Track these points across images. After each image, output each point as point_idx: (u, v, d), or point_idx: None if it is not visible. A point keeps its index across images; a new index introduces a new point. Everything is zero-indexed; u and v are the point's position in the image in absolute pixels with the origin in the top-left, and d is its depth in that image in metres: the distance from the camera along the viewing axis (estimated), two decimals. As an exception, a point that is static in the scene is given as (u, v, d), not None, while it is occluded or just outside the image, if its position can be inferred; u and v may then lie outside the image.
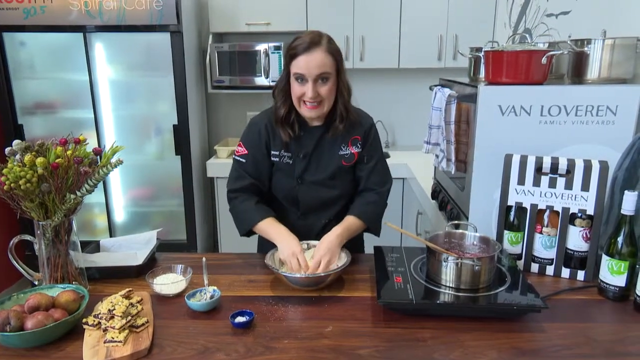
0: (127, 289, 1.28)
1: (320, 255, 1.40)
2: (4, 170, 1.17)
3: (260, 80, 3.31)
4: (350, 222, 1.55)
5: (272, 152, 1.58)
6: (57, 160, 1.20)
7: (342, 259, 1.44)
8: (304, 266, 1.38)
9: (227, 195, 1.62)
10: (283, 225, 1.52)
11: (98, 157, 1.30)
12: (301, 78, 1.45)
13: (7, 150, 1.22)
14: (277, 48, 3.24)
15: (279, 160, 1.58)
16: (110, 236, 3.41)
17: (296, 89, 1.47)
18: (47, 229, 1.26)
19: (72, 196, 1.24)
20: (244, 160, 1.60)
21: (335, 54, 1.47)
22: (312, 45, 1.43)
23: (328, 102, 1.49)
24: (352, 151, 1.59)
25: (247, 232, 1.58)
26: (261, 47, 3.25)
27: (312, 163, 1.58)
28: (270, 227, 1.51)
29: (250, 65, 3.30)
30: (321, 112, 1.50)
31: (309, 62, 1.42)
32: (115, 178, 3.37)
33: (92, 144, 1.29)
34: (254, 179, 1.59)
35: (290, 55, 1.45)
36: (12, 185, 1.16)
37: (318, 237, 1.51)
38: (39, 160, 1.17)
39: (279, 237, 1.48)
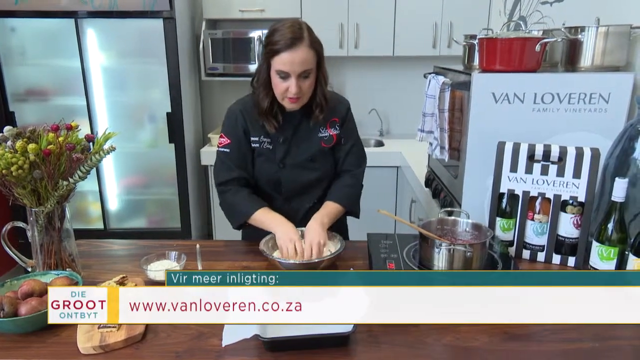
0: (121, 275, 1.29)
1: (310, 241, 1.41)
2: (-4, 157, 1.16)
3: (254, 68, 3.25)
4: (330, 207, 1.57)
5: (252, 139, 1.58)
6: (49, 147, 1.19)
7: (336, 245, 1.45)
8: (300, 252, 1.39)
9: (217, 189, 1.61)
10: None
11: (90, 143, 1.29)
12: (284, 75, 1.42)
13: (-2, 136, 1.21)
14: (271, 35, 3.21)
15: (259, 145, 1.58)
16: (104, 224, 3.40)
17: (279, 84, 1.44)
18: (39, 216, 1.25)
19: (65, 183, 1.23)
20: (228, 150, 1.58)
21: (316, 46, 1.44)
22: (294, 41, 1.38)
23: (308, 94, 1.50)
24: (331, 133, 1.61)
25: (241, 224, 1.58)
26: (255, 34, 3.22)
27: (293, 147, 1.59)
28: (266, 216, 1.51)
29: (244, 53, 3.27)
30: (302, 104, 1.51)
31: (293, 60, 1.39)
32: (108, 166, 3.35)
33: (84, 132, 1.29)
34: (240, 168, 1.58)
35: (272, 50, 1.40)
36: (3, 171, 1.15)
37: (303, 221, 1.51)
38: (31, 146, 1.17)
39: (275, 224, 1.48)
